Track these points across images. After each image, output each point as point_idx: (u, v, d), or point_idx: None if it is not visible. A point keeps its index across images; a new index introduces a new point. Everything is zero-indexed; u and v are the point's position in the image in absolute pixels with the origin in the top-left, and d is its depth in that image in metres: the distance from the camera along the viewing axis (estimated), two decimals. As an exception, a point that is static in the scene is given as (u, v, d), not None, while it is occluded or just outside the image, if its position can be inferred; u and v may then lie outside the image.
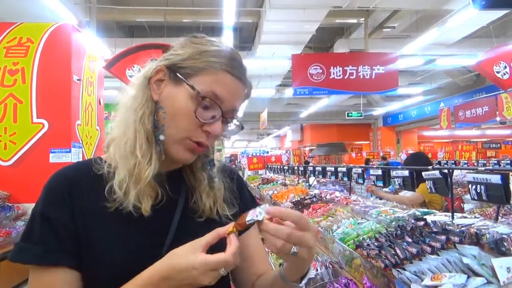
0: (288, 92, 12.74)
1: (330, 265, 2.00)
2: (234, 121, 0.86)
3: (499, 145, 19.67)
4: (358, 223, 2.12)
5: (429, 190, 2.13)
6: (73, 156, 5.34)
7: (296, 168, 4.52)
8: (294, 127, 22.14)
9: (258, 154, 10.60)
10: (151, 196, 0.80)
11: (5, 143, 5.20)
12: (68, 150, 5.27)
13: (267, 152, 17.83)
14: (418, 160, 3.50)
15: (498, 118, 10.77)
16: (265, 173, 6.93)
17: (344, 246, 1.90)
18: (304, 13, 7.66)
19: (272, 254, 2.51)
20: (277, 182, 4.96)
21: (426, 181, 2.11)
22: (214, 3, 8.19)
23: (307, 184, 3.95)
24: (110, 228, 0.79)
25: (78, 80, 5.64)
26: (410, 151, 14.70)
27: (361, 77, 7.61)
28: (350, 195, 2.97)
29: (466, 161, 11.16)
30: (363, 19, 9.82)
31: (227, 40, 7.61)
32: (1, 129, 5.20)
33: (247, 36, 11.03)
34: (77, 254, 0.79)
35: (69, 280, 0.79)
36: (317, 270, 2.01)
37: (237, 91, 0.84)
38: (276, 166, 6.46)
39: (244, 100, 0.88)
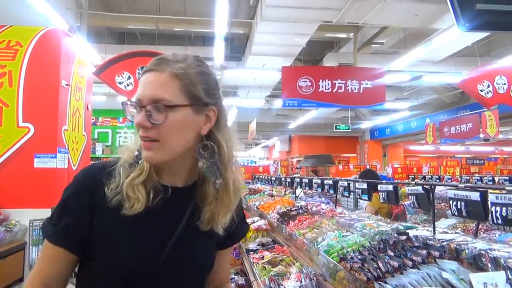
0: (277, 103, 12.83)
1: (314, 277, 2.02)
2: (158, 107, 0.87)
3: (482, 161, 20.09)
4: (342, 236, 2.15)
5: (382, 200, 2.44)
6: (58, 162, 5.27)
7: (283, 179, 4.56)
8: (282, 138, 22.23)
9: (246, 164, 10.57)
10: (138, 199, 0.88)
11: (-12, 147, 5.12)
12: (53, 155, 5.20)
13: (255, 162, 17.84)
14: (370, 176, 4.18)
15: (481, 135, 11.02)
16: (252, 183, 6.95)
17: (329, 258, 1.92)
18: (295, 26, 7.78)
19: (257, 265, 2.51)
20: (264, 192, 4.97)
21: (380, 193, 2.39)
22: (206, 13, 8.25)
23: (294, 195, 3.98)
24: (120, 229, 0.89)
25: (66, 85, 5.60)
26: (396, 165, 14.89)
27: (350, 91, 7.72)
28: (336, 207, 3.00)
29: (450, 177, 11.38)
30: (352, 34, 10.00)
31: (218, 50, 7.66)
32: (-15, 132, 5.13)
33: (238, 47, 11.11)
34: (79, 243, 0.92)
35: (64, 254, 0.92)
36: (301, 281, 2.03)
37: (147, 80, 0.88)
38: (263, 177, 6.49)
39: (168, 81, 0.88)
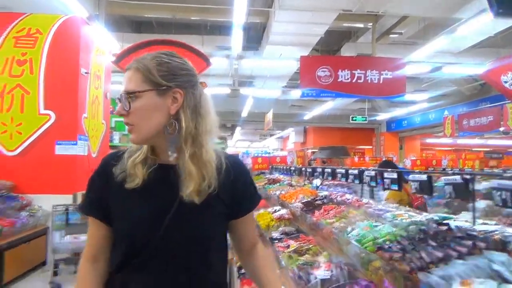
0: (294, 93, 12.71)
1: (345, 267, 1.97)
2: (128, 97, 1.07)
3: (501, 155, 19.64)
4: (374, 226, 2.09)
5: (413, 191, 2.33)
6: (79, 149, 5.30)
7: (304, 169, 4.50)
8: (297, 129, 22.08)
9: (262, 155, 10.55)
10: (137, 175, 1.06)
11: (11, 133, 5.16)
12: (74, 142, 5.23)
13: (269, 153, 17.80)
14: (389, 167, 4.05)
15: (501, 128, 10.74)
16: (270, 174, 6.90)
17: (361, 248, 1.87)
18: (314, 15, 7.64)
19: (283, 254, 2.48)
20: (283, 182, 4.93)
21: (412, 183, 2.30)
22: (223, 2, 8.16)
23: (315, 185, 3.92)
24: (125, 202, 1.10)
25: (85, 73, 5.61)
26: (413, 158, 14.66)
27: (369, 81, 7.58)
28: (361, 198, 2.94)
29: (470, 169, 11.13)
30: (371, 23, 9.79)
31: (236, 39, 7.59)
32: (7, 118, 5.17)
33: (254, 36, 11.00)
34: (103, 212, 1.15)
35: (98, 227, 1.19)
36: (331, 271, 1.98)
37: (124, 78, 1.09)
38: (281, 167, 6.43)
39: (132, 75, 1.09)
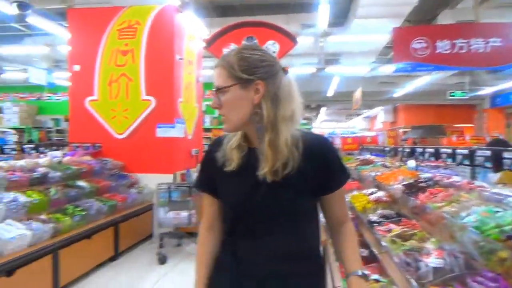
0: (384, 69, 11.97)
1: (460, 255, 1.80)
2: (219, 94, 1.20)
3: None
4: (494, 212, 1.87)
5: None
6: (177, 131, 5.66)
7: (400, 149, 4.21)
8: (386, 108, 20.87)
9: (350, 135, 10.22)
10: (233, 159, 1.20)
11: (119, 118, 5.71)
12: (172, 125, 5.60)
13: (355, 133, 17.17)
14: (502, 146, 3.30)
15: None
16: (359, 154, 6.65)
17: (481, 235, 1.69)
18: (407, -19, 7.01)
19: (385, 238, 2.36)
20: (376, 163, 4.71)
21: None
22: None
23: (412, 167, 3.67)
24: (226, 181, 1.25)
25: (180, 59, 5.92)
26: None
27: (473, 51, 6.77)
28: (472, 180, 2.66)
29: None
30: (474, -15, 8.68)
31: (322, 15, 7.33)
32: (116, 105, 5.72)
33: (340, 11, 10.51)
34: (212, 189, 1.31)
35: (213, 202, 1.34)
36: (445, 259, 1.83)
37: (215, 75, 1.20)
38: (372, 147, 6.12)
39: (220, 72, 1.19)
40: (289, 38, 6.20)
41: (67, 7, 6.16)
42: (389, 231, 2.50)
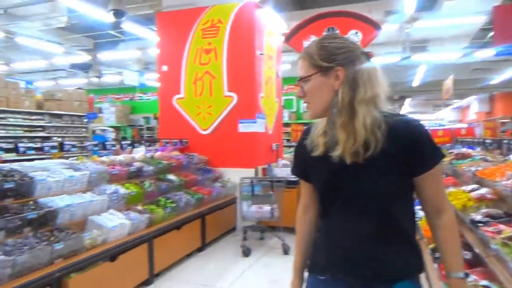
0: (478, 55, 10.84)
1: None
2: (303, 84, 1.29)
3: None
4: None
5: None
6: (258, 126, 5.73)
7: (505, 141, 3.74)
8: (481, 97, 18.90)
9: (439, 127, 9.43)
10: (320, 145, 1.26)
11: (204, 115, 5.95)
12: (253, 120, 5.68)
13: (443, 126, 15.81)
14: None
15: None
16: (452, 148, 6.09)
17: None
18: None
19: (496, 240, 2.10)
20: (475, 157, 4.26)
21: None
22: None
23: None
24: (314, 164, 1.32)
25: (260, 54, 5.97)
26: None
27: None
28: None
29: None
30: None
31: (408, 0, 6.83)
32: (201, 102, 5.97)
33: (429, -6, 9.72)
34: (305, 174, 1.39)
35: (307, 187, 1.43)
36: None
37: (299, 66, 1.30)
38: (469, 140, 5.55)
39: (302, 64, 1.28)
40: (372, 26, 5.89)
41: (155, 12, 6.56)
42: (499, 232, 2.23)
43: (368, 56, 1.25)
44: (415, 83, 14.28)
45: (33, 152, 3.68)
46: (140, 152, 5.02)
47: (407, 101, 21.20)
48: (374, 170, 1.19)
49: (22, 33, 8.85)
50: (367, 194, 1.21)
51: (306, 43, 6.20)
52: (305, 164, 1.36)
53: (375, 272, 1.21)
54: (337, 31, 5.65)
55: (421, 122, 1.25)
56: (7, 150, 3.59)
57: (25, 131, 7.86)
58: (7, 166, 3.13)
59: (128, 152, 5.00)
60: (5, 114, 7.37)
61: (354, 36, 5.62)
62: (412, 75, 13.55)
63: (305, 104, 1.33)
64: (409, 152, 1.18)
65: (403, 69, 12.62)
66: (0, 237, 2.55)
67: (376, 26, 5.87)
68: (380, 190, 1.20)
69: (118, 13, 6.28)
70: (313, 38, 5.52)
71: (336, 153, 1.20)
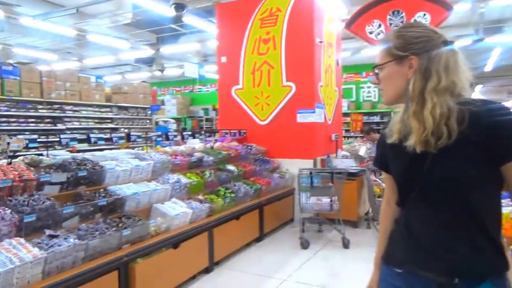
0: None
1: None
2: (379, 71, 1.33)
3: None
4: None
5: None
6: (317, 116, 5.59)
7: None
8: None
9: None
10: (396, 132, 1.26)
11: (262, 105, 5.93)
12: (312, 110, 5.55)
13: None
14: None
15: None
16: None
17: None
18: None
19: None
20: None
21: None
22: None
23: None
24: (393, 154, 1.33)
25: (320, 42, 5.79)
26: None
27: None
28: None
29: None
30: None
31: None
32: (259, 92, 5.96)
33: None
34: (386, 165, 1.39)
35: (389, 178, 1.41)
36: None
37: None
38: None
39: (383, 50, 1.29)
40: (442, 7, 5.45)
41: (215, 4, 6.62)
42: None
43: (447, 43, 1.22)
44: (488, 67, 13.13)
45: (103, 142, 3.90)
46: (194, 143, 5.13)
47: (478, 87, 19.59)
48: (448, 159, 1.16)
49: (92, 31, 9.44)
50: (444, 183, 1.18)
51: (369, 28, 5.90)
52: (386, 154, 1.38)
53: (452, 268, 1.18)
54: (403, 14, 5.31)
55: (507, 108, 1.16)
56: (80, 141, 3.84)
57: (96, 122, 8.41)
58: (80, 155, 3.34)
59: (177, 143, 5.13)
60: (78, 107, 7.93)
61: (422, 18, 5.24)
62: (484, 60, 12.47)
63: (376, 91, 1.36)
64: (492, 139, 1.13)
65: (475, 53, 11.63)
66: (74, 222, 2.73)
67: (446, 6, 5.43)
68: (458, 179, 1.17)
69: (179, 7, 6.43)
70: (377, 22, 5.19)
71: (409, 142, 1.19)
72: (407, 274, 1.26)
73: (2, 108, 6.35)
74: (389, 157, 1.36)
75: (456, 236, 1.18)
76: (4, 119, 6.43)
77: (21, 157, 2.98)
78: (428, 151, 1.16)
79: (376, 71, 1.33)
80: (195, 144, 5.08)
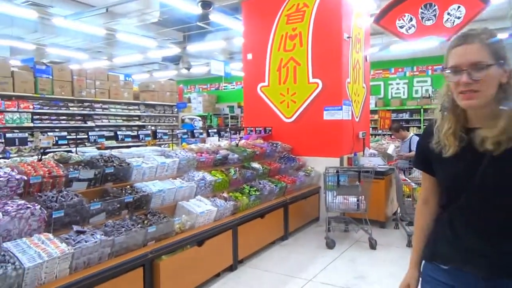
0: None
1: None
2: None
3: None
4: None
5: None
6: (344, 114, 5.47)
7: None
8: None
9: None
10: (449, 145, 1.28)
11: (287, 102, 5.86)
12: (339, 107, 5.43)
13: None
14: None
15: None
16: None
17: None
18: None
19: None
20: None
21: None
22: None
23: None
24: (442, 163, 1.33)
25: (348, 37, 5.65)
26: None
27: None
28: None
29: None
30: None
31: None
32: (284, 89, 5.89)
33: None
34: (426, 166, 1.44)
35: (428, 178, 1.46)
36: None
37: (460, 52, 1.26)
38: None
39: (482, 49, 1.23)
40: (477, -1, 5.20)
41: (241, 1, 6.59)
42: None
43: None
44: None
45: (130, 139, 3.95)
46: (213, 141, 5.12)
47: None
48: (507, 166, 1.20)
49: (121, 30, 9.63)
50: (495, 190, 1.22)
51: (399, 23, 5.67)
52: (428, 158, 1.40)
53: (502, 268, 1.22)
54: (436, 7, 5.10)
55: None
56: (108, 138, 3.90)
57: (124, 120, 8.58)
58: (107, 152, 3.40)
59: (202, 140, 5.13)
60: (107, 105, 8.11)
61: (456, 11, 5.02)
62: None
63: (460, 89, 1.25)
64: None
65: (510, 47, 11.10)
66: (101, 218, 2.77)
67: (482, -1, 5.17)
68: (510, 187, 1.20)
69: (206, 4, 6.45)
70: (408, 16, 4.99)
71: (483, 144, 1.21)
72: (453, 270, 1.31)
73: (35, 106, 6.57)
74: (438, 164, 1.37)
75: (501, 239, 1.22)
76: (37, 117, 6.64)
77: (51, 154, 3.05)
78: (490, 152, 1.19)
79: (472, 69, 1.22)
80: (214, 142, 5.07)
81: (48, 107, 6.82)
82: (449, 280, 1.33)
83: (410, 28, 5.40)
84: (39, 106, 6.64)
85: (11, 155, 5.64)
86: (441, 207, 1.42)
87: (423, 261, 1.44)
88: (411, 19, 5.39)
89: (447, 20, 5.13)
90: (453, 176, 1.32)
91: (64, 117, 7.15)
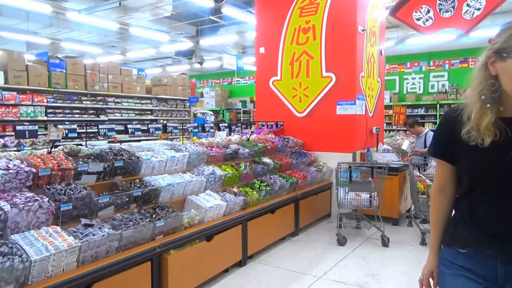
0: None
1: None
2: None
3: None
4: None
5: None
6: (357, 108, 5.36)
7: None
8: None
9: None
10: (489, 135, 1.23)
11: (300, 96, 5.78)
12: (353, 102, 5.32)
13: None
14: None
15: None
16: None
17: None
18: None
19: None
20: None
21: None
22: None
23: None
24: (469, 151, 1.31)
25: (362, 30, 5.52)
26: None
27: None
28: None
29: None
30: None
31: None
32: (297, 83, 5.80)
33: None
34: (444, 154, 1.42)
35: (445, 166, 1.44)
36: None
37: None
38: None
39: None
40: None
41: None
42: None
43: None
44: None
45: (140, 133, 3.93)
46: (221, 135, 5.08)
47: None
48: None
49: (134, 24, 9.64)
50: None
51: (416, 15, 5.51)
52: (449, 145, 1.37)
53: None
54: (454, -2, 4.93)
55: None
56: (119, 131, 3.89)
57: (136, 114, 8.61)
58: (117, 146, 3.38)
59: (227, 134, 5.10)
60: (120, 99, 8.14)
61: (476, 2, 4.84)
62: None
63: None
64: None
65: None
66: (110, 211, 2.76)
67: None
68: None
69: (217, -2, 6.37)
70: (425, 8, 4.82)
71: None
72: (472, 253, 1.31)
73: (49, 99, 6.63)
74: (460, 148, 1.34)
75: None
76: (51, 110, 6.70)
77: (61, 147, 3.05)
78: None
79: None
80: (222, 136, 5.02)
81: (61, 101, 6.87)
82: (467, 264, 1.32)
83: (427, 20, 5.24)
84: (52, 100, 6.70)
85: (25, 148, 5.71)
86: (462, 194, 1.41)
87: (442, 246, 1.45)
88: (428, 11, 5.23)
89: (466, 11, 4.95)
90: (481, 164, 1.30)
91: (77, 111, 7.21)
